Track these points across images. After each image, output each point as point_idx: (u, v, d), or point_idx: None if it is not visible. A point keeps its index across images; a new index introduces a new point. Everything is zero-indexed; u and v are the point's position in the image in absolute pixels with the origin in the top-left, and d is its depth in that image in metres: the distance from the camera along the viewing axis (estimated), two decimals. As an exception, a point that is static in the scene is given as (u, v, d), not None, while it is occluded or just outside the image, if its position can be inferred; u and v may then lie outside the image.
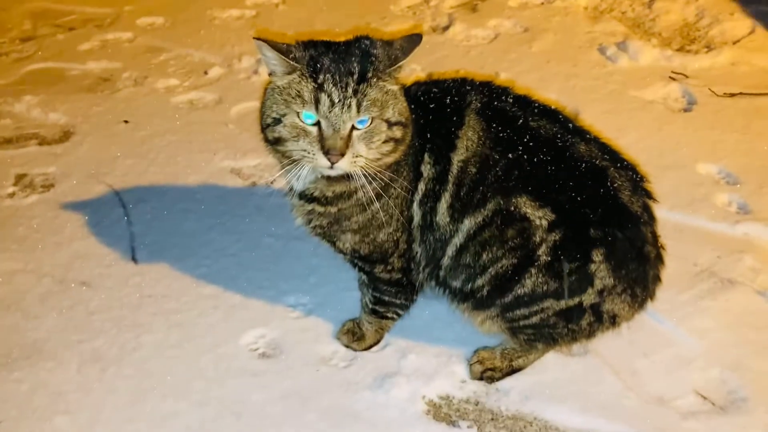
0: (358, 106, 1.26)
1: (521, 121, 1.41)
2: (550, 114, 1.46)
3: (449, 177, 1.39)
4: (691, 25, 3.09)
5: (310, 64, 1.27)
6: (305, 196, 1.45)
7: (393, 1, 3.35)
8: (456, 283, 1.48)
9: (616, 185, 1.38)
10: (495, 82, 1.51)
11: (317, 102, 1.25)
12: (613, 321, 1.45)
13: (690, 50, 2.91)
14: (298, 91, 1.27)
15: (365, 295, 1.66)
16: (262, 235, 2.01)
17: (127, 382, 1.62)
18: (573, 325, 1.44)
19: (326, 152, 1.27)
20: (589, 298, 1.40)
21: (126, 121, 2.54)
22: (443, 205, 1.41)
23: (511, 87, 1.52)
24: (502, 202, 1.37)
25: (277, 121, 1.30)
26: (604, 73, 2.74)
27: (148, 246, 1.99)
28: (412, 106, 1.38)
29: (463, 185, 1.39)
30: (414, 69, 2.80)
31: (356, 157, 1.28)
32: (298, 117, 1.28)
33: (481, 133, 1.39)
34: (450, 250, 1.45)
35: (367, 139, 1.28)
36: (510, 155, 1.37)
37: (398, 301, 1.62)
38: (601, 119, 2.46)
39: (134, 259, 1.95)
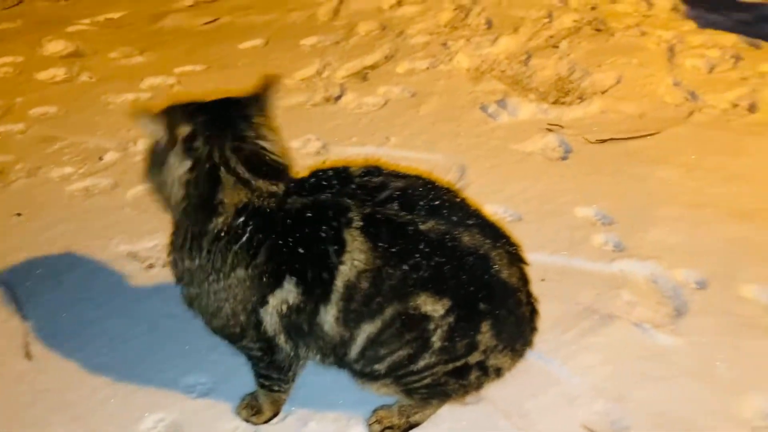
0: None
1: (411, 227, 1.41)
2: (436, 211, 1.46)
3: (332, 297, 1.41)
4: (564, 79, 3.32)
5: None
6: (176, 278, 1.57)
7: (287, 75, 3.47)
8: (357, 366, 1.53)
9: (496, 267, 1.46)
10: (375, 184, 1.48)
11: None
12: (498, 372, 1.55)
13: (564, 102, 3.13)
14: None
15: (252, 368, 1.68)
16: (160, 317, 2.02)
17: (22, 483, 1.58)
18: (463, 381, 1.52)
19: None
20: (474, 357, 1.48)
21: (19, 214, 2.51)
22: (329, 318, 1.43)
23: (394, 182, 1.48)
24: (401, 307, 1.41)
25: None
26: (486, 130, 2.91)
27: (44, 339, 1.96)
28: (280, 229, 1.42)
29: (353, 300, 1.41)
30: (309, 138, 2.90)
31: None
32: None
33: (369, 252, 1.39)
34: (353, 352, 1.48)
35: None
36: (404, 266, 1.39)
37: (276, 376, 1.63)
38: (486, 174, 2.61)
39: (28, 355, 1.91)
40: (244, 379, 1.79)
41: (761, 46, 3.48)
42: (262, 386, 1.66)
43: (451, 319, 1.43)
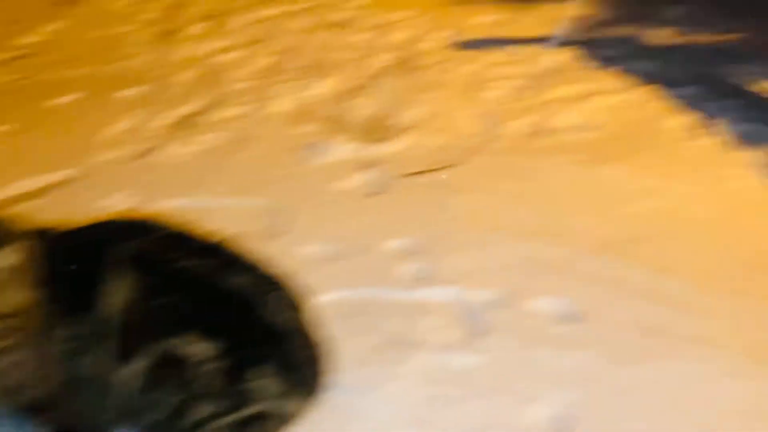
0: None
1: (175, 264, 1.48)
2: (207, 251, 1.56)
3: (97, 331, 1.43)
4: (379, 117, 3.49)
5: None
6: None
7: (99, 131, 3.38)
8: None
9: (267, 311, 1.53)
10: (148, 222, 1.60)
11: None
12: (292, 417, 1.60)
13: (379, 139, 3.29)
14: None
15: None
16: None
17: None
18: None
19: None
20: (257, 407, 1.52)
21: None
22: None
23: (166, 225, 1.61)
24: (160, 347, 1.44)
25: None
26: (305, 172, 3.00)
27: None
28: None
29: (111, 337, 1.43)
30: (127, 194, 2.85)
31: None
32: None
33: (131, 284, 1.43)
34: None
35: None
36: (165, 299, 1.44)
37: None
38: (303, 214, 2.68)
39: None
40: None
41: (551, 74, 3.83)
42: None
43: (219, 364, 1.44)
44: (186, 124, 3.44)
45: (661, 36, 4.46)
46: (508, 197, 2.77)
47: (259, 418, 1.54)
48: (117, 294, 1.43)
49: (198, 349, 1.44)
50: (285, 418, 1.58)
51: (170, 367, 1.44)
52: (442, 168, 2.98)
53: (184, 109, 3.58)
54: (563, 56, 4.09)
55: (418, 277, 2.36)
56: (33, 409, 1.50)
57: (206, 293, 1.47)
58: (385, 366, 2.00)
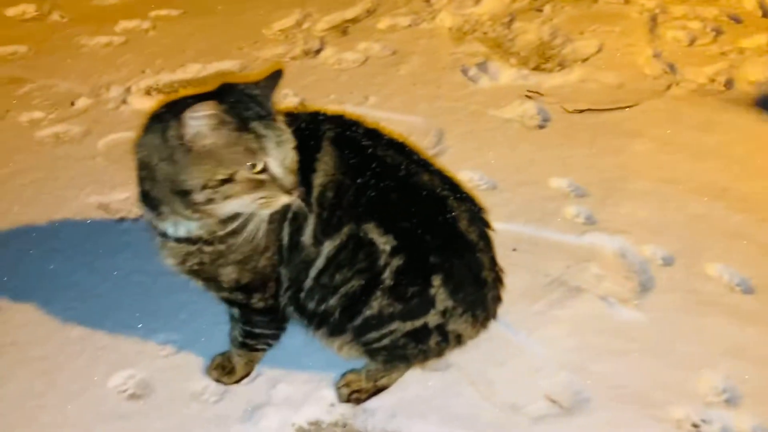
0: (288, 141, 1.33)
1: (370, 150, 1.51)
2: (398, 146, 1.58)
3: (311, 200, 1.45)
4: (546, 45, 3.30)
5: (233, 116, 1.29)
6: (188, 240, 1.46)
7: (265, 25, 3.40)
8: (311, 305, 1.55)
9: (454, 214, 1.49)
10: (346, 116, 1.61)
11: (265, 149, 1.29)
12: (459, 340, 1.57)
13: (545, 69, 3.12)
14: (244, 146, 1.28)
15: (235, 329, 1.69)
16: (130, 272, 2.01)
17: (-11, 436, 1.59)
18: (422, 345, 1.55)
19: (288, 191, 1.32)
20: (433, 319, 1.50)
21: (-14, 159, 2.46)
22: (309, 226, 1.48)
23: (361, 121, 1.62)
24: (355, 227, 1.46)
25: (226, 181, 1.29)
26: (466, 94, 2.90)
27: (11, 291, 1.95)
28: None
29: (324, 209, 1.46)
30: (286, 94, 2.86)
31: None
32: (251, 169, 1.29)
33: (335, 159, 1.47)
34: (312, 272, 1.52)
35: None
36: (359, 180, 1.46)
37: (269, 332, 1.67)
38: (463, 139, 2.61)
39: (-6, 306, 1.90)
40: (215, 339, 1.81)
41: (742, 21, 3.48)
42: (244, 346, 1.67)
43: (399, 261, 1.45)
44: (347, 30, 3.38)
45: None
46: (687, 149, 2.57)
47: (435, 333, 1.52)
48: (323, 170, 1.45)
49: (382, 239, 1.45)
50: (459, 339, 1.57)
51: (360, 250, 1.46)
52: (616, 108, 2.79)
53: (346, 13, 3.52)
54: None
55: (586, 221, 2.26)
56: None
57: (393, 177, 1.48)
58: (548, 308, 1.94)
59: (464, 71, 3.05)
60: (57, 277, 2.00)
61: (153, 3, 3.54)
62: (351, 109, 2.73)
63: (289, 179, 1.33)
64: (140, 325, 1.85)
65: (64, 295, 1.94)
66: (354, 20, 3.48)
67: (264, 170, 1.31)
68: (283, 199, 1.34)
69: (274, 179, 1.32)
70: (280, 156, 1.32)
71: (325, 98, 2.84)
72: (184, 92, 2.88)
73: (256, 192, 1.32)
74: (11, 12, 3.47)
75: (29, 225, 2.18)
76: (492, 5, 3.61)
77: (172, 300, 1.92)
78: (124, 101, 2.80)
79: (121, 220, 2.22)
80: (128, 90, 2.86)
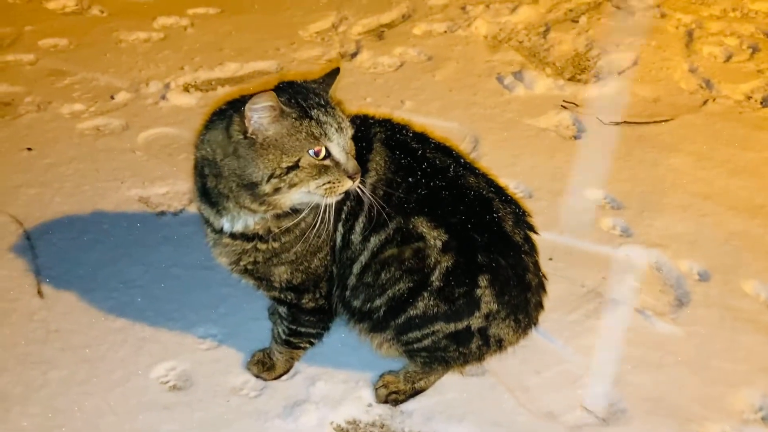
0: (347, 128, 1.39)
1: (420, 152, 1.55)
2: (445, 149, 1.63)
3: (363, 205, 1.48)
4: (581, 56, 3.31)
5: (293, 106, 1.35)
6: (244, 236, 1.49)
7: (302, 27, 3.42)
8: (356, 303, 1.57)
9: (500, 215, 1.51)
10: (394, 120, 1.64)
11: (327, 135, 1.34)
12: (500, 344, 1.58)
13: (580, 80, 3.12)
14: (306, 132, 1.33)
15: (278, 326, 1.70)
16: (170, 265, 2.04)
17: (34, 420, 1.61)
18: (463, 348, 1.56)
19: (350, 176, 1.37)
20: (476, 321, 1.51)
21: (29, 149, 2.49)
22: (359, 225, 1.51)
23: (409, 125, 1.64)
24: (402, 221, 1.48)
25: (292, 169, 1.34)
26: (501, 102, 2.91)
27: (55, 279, 1.98)
28: None
29: (373, 206, 1.48)
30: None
31: None
32: (315, 155, 1.34)
33: (386, 159, 1.52)
34: (356, 268, 1.54)
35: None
36: (410, 179, 1.50)
37: (315, 331, 1.69)
38: (498, 147, 2.62)
39: (40, 293, 1.93)
40: (254, 335, 1.84)
41: (779, 38, 3.47)
42: (287, 343, 1.69)
43: (449, 261, 1.47)
44: (383, 34, 3.40)
45: None
46: (723, 165, 2.57)
47: (477, 336, 1.53)
48: (374, 169, 1.49)
49: (433, 233, 1.47)
50: (500, 344, 1.57)
51: (410, 242, 1.48)
52: (654, 122, 2.79)
53: (382, 18, 3.54)
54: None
55: (622, 233, 2.26)
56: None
57: (443, 182, 1.50)
58: (585, 318, 1.95)
59: (500, 79, 3.06)
60: (99, 267, 2.02)
61: (190, 0, 3.58)
62: (388, 113, 2.75)
63: (351, 164, 1.37)
64: (181, 318, 1.87)
65: (106, 285, 1.97)
66: (390, 25, 3.50)
67: (327, 156, 1.35)
68: (347, 184, 1.37)
69: (337, 164, 1.36)
70: (341, 141, 1.36)
71: (361, 101, 2.86)
72: (223, 90, 2.92)
73: (321, 178, 1.35)
74: (52, 5, 3.52)
75: (72, 215, 2.21)
76: (527, 14, 3.62)
77: (211, 294, 1.95)
78: (163, 97, 2.83)
79: (162, 213, 2.24)
80: (167, 86, 2.89)
